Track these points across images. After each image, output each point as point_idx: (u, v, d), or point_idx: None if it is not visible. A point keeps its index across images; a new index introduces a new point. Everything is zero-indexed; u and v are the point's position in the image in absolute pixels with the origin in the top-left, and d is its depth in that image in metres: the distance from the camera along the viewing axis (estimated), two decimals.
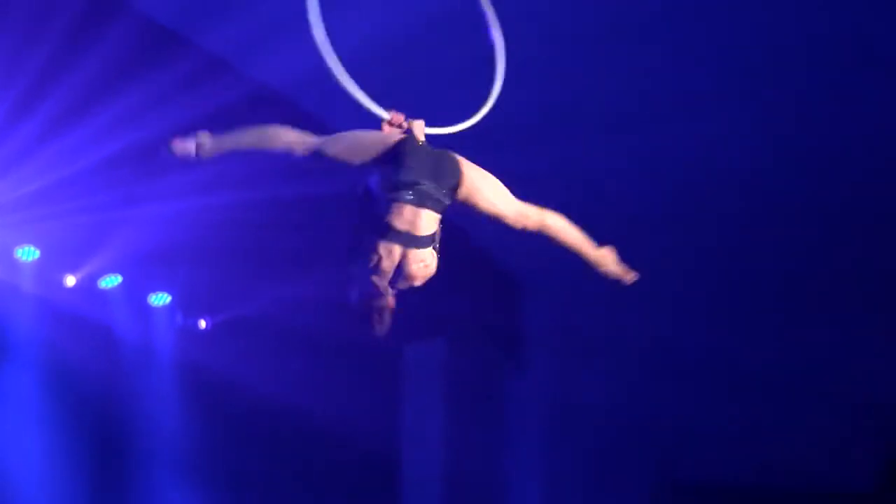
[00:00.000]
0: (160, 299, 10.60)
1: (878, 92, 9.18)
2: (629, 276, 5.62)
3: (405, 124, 5.37)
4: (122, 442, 10.52)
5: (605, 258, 5.58)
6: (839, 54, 8.86)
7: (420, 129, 5.37)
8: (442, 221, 5.17)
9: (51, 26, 7.96)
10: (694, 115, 9.37)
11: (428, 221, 5.08)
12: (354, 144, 5.17)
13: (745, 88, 9.22)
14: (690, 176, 10.60)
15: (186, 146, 5.12)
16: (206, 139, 5.12)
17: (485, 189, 5.26)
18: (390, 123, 5.37)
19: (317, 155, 5.13)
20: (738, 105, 9.35)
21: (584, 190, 10.20)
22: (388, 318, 5.21)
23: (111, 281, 10.18)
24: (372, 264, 5.06)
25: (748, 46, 8.83)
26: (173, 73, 8.62)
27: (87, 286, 10.04)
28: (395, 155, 5.10)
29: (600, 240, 5.39)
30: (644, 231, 11.50)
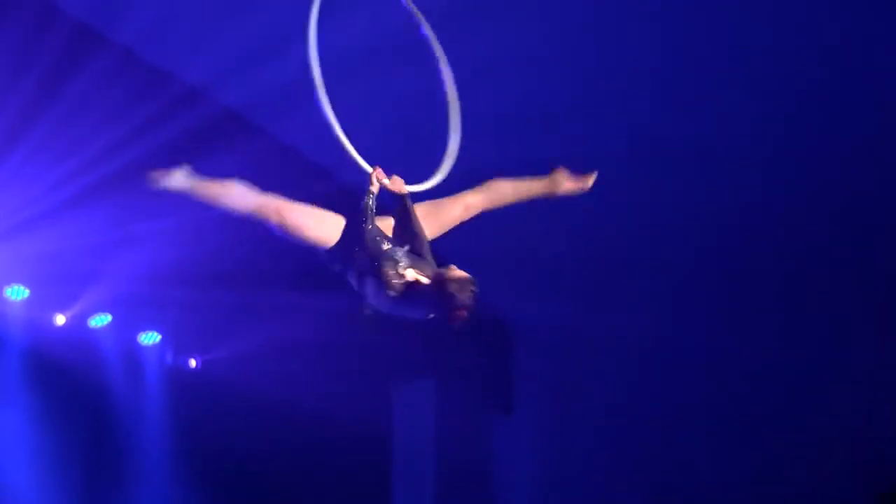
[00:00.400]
0: (150, 338, 10.60)
1: (878, 93, 9.19)
2: (588, 181, 5.68)
3: (386, 181, 5.49)
4: (111, 481, 10.48)
5: (559, 181, 5.69)
6: (841, 56, 8.87)
7: (400, 185, 5.53)
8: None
9: (35, 60, 7.99)
10: (690, 115, 9.39)
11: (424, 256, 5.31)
12: (318, 223, 5.43)
13: (749, 85, 9.19)
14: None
15: (164, 177, 5.32)
16: (183, 175, 5.35)
17: (441, 216, 5.44)
18: (375, 178, 5.48)
19: (277, 223, 5.38)
20: (739, 101, 9.33)
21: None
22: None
23: (101, 320, 10.18)
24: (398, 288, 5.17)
25: (748, 46, 8.83)
26: (156, 106, 8.66)
27: (77, 325, 10.05)
28: (357, 238, 5.31)
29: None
30: (636, 266, 11.55)
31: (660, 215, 10.82)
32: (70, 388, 10.21)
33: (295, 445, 11.32)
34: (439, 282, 5.09)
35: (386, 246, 5.30)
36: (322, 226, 5.44)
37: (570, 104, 9.30)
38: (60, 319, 9.94)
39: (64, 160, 8.70)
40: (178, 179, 5.37)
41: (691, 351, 12.39)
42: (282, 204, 5.42)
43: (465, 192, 5.64)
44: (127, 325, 10.41)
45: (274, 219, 5.38)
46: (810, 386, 12.07)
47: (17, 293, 9.67)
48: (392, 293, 5.14)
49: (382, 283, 5.15)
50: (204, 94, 8.97)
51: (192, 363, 10.94)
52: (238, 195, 5.41)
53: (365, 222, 5.33)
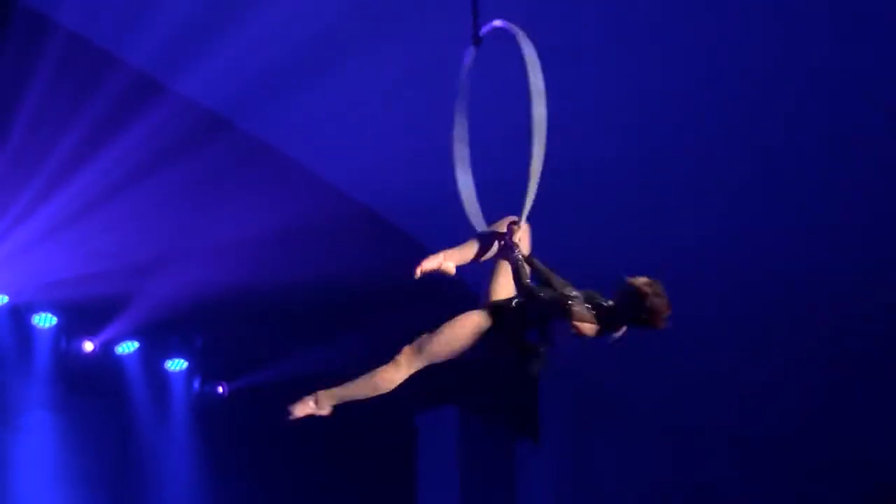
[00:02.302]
0: (176, 365, 10.66)
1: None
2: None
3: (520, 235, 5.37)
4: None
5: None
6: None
7: (525, 230, 5.44)
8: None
9: (86, 106, 8.12)
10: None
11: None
12: (452, 340, 5.27)
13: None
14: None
15: (306, 407, 5.54)
16: (322, 397, 5.54)
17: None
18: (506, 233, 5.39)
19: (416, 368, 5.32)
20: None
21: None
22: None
23: (128, 347, 10.26)
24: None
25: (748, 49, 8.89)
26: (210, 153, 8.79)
27: (105, 352, 10.15)
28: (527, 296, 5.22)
29: None
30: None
31: (688, 238, 10.85)
32: (97, 413, 10.30)
33: (319, 475, 11.35)
34: (633, 295, 5.14)
35: (547, 291, 5.22)
36: (480, 318, 5.30)
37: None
38: (89, 346, 10.03)
39: (90, 186, 8.82)
40: (318, 401, 5.55)
41: (720, 378, 12.36)
42: (429, 340, 5.31)
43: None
44: (154, 352, 10.49)
45: (441, 356, 5.32)
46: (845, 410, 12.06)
47: (45, 320, 9.77)
48: (589, 327, 5.15)
49: (574, 324, 5.12)
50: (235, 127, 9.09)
51: (220, 390, 10.98)
52: (385, 376, 5.43)
53: (524, 280, 5.25)
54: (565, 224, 10.37)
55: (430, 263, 5.31)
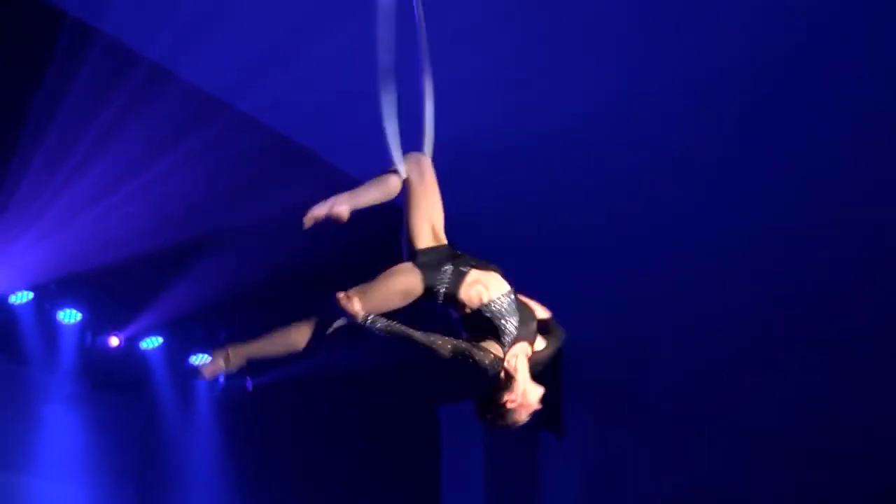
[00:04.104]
0: (200, 360, 10.67)
1: None
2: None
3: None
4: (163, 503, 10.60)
5: None
6: None
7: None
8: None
9: (105, 97, 8.16)
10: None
11: None
12: (386, 298, 4.79)
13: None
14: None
15: (216, 366, 5.02)
16: (230, 352, 5.02)
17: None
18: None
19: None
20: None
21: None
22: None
23: (152, 342, 10.29)
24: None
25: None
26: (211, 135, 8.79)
27: (129, 347, 10.18)
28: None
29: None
30: (678, 283, 11.52)
31: (711, 235, 10.82)
32: (122, 409, 10.35)
33: (343, 468, 11.37)
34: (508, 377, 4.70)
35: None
36: (413, 281, 4.86)
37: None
38: (114, 341, 10.07)
39: (116, 185, 8.85)
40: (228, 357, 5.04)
41: (743, 372, 12.33)
42: (363, 293, 4.80)
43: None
44: (177, 347, 10.51)
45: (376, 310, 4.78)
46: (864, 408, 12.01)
47: (70, 316, 9.81)
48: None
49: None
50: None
51: (248, 384, 11.00)
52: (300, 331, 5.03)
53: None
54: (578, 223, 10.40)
55: (319, 210, 4.91)
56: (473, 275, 4.83)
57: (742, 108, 9.31)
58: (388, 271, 4.87)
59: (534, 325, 4.89)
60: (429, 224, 4.99)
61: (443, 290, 4.80)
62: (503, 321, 4.80)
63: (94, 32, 8.05)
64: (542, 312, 5.04)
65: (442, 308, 4.89)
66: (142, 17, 8.20)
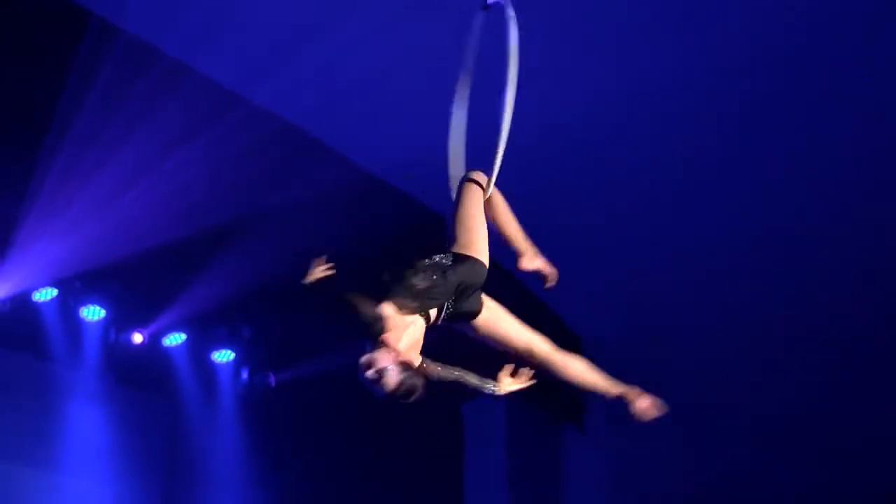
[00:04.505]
0: (223, 356, 10.71)
1: None
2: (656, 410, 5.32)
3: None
4: (188, 499, 10.63)
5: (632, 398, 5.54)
6: None
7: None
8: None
9: (126, 93, 8.20)
10: None
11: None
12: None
13: None
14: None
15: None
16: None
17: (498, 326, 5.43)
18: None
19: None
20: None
21: None
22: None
23: (175, 339, 10.33)
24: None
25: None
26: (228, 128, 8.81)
27: (152, 344, 10.22)
28: None
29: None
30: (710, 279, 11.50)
31: (728, 229, 10.80)
32: (146, 405, 10.39)
33: (366, 464, 11.39)
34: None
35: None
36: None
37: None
38: (138, 338, 10.10)
39: (137, 182, 8.88)
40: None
41: (769, 366, 12.29)
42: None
43: (538, 336, 5.39)
44: (201, 344, 10.55)
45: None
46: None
47: (94, 313, 9.86)
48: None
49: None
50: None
51: (271, 380, 11.02)
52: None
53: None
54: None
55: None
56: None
57: (771, 91, 9.28)
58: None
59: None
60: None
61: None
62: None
63: (115, 31, 8.08)
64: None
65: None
66: (159, 14, 8.22)
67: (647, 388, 12.42)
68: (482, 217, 5.24)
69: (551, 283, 5.45)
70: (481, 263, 5.10)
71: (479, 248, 5.14)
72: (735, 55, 8.89)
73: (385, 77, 8.81)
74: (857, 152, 9.83)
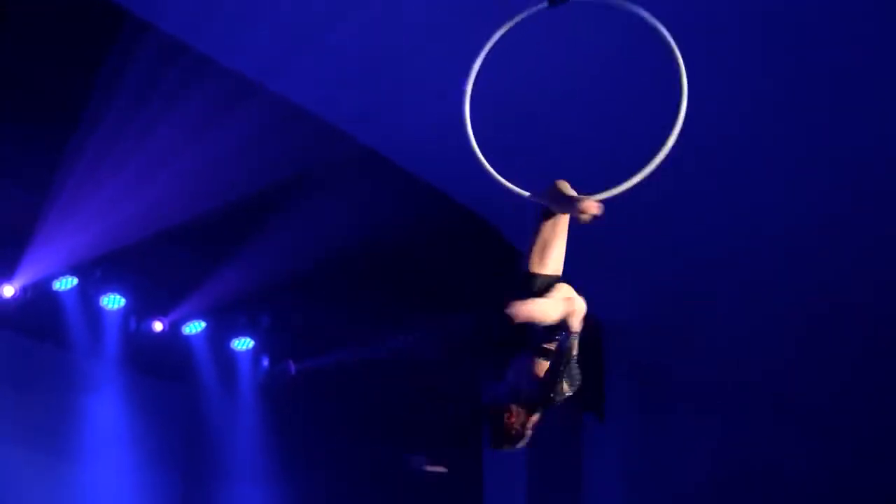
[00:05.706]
0: (243, 344, 10.72)
1: None
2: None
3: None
4: (208, 487, 10.67)
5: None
6: None
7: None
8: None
9: (151, 85, 8.23)
10: None
11: None
12: None
13: None
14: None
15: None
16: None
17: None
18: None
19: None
20: None
21: None
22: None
23: (195, 327, 10.35)
24: None
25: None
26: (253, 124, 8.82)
27: (173, 332, 10.24)
28: None
29: None
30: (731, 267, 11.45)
31: (761, 216, 10.74)
32: (166, 392, 10.43)
33: (384, 451, 11.39)
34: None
35: None
36: None
37: None
38: (158, 326, 10.12)
39: (158, 172, 8.90)
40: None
41: (789, 355, 12.23)
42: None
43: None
44: (220, 332, 10.56)
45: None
46: None
47: (114, 302, 9.88)
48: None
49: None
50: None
51: (292, 368, 11.02)
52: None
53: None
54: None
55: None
56: None
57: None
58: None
59: None
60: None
61: None
62: None
63: (143, 25, 8.10)
64: None
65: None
66: (185, 10, 8.24)
67: (669, 377, 12.40)
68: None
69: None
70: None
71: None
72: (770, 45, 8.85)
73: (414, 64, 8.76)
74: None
